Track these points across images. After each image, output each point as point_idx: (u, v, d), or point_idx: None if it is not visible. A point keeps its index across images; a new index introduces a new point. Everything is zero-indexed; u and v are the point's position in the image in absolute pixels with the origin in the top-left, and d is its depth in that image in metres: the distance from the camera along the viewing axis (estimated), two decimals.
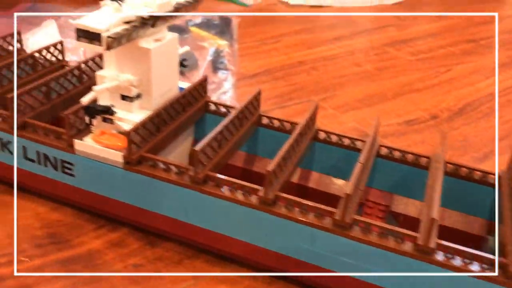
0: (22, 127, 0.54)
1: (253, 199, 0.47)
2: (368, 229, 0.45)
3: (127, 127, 0.51)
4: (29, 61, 0.64)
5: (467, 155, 0.75)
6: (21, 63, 0.63)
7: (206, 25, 1.16)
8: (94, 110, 0.51)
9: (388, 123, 0.82)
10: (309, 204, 0.46)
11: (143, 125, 0.51)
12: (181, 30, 1.12)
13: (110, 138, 0.52)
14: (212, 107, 0.62)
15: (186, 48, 0.58)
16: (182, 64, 0.58)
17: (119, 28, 0.47)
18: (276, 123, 0.60)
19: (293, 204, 0.47)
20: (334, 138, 0.58)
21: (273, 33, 1.18)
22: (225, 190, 0.48)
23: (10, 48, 0.68)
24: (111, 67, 0.53)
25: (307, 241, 0.46)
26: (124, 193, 0.52)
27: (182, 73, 0.59)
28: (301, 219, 0.46)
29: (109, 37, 0.46)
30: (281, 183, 0.49)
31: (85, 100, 0.50)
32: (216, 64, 0.98)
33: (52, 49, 0.66)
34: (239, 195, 0.48)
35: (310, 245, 0.46)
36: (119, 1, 0.48)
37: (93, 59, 0.64)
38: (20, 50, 0.69)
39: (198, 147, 0.48)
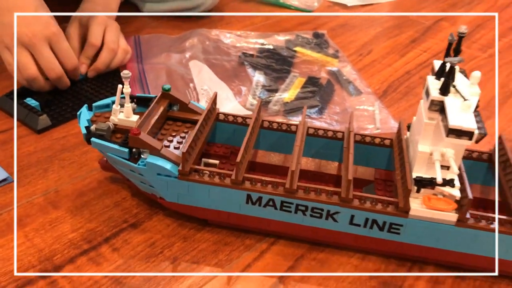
0: (350, 199, 0.64)
1: None
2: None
3: (455, 192, 0.62)
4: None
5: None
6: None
7: (303, 43, 1.24)
8: (432, 182, 0.62)
9: None
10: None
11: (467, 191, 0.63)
12: (287, 53, 1.19)
13: (438, 202, 0.63)
14: None
15: None
16: None
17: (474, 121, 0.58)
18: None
19: None
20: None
21: (360, 40, 1.28)
22: None
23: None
24: (426, 142, 0.63)
25: None
26: (455, 245, 0.65)
27: None
28: None
29: (479, 133, 0.57)
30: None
31: (440, 179, 0.60)
32: (346, 86, 1.06)
33: None
34: None
35: None
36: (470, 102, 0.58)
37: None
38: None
39: None
